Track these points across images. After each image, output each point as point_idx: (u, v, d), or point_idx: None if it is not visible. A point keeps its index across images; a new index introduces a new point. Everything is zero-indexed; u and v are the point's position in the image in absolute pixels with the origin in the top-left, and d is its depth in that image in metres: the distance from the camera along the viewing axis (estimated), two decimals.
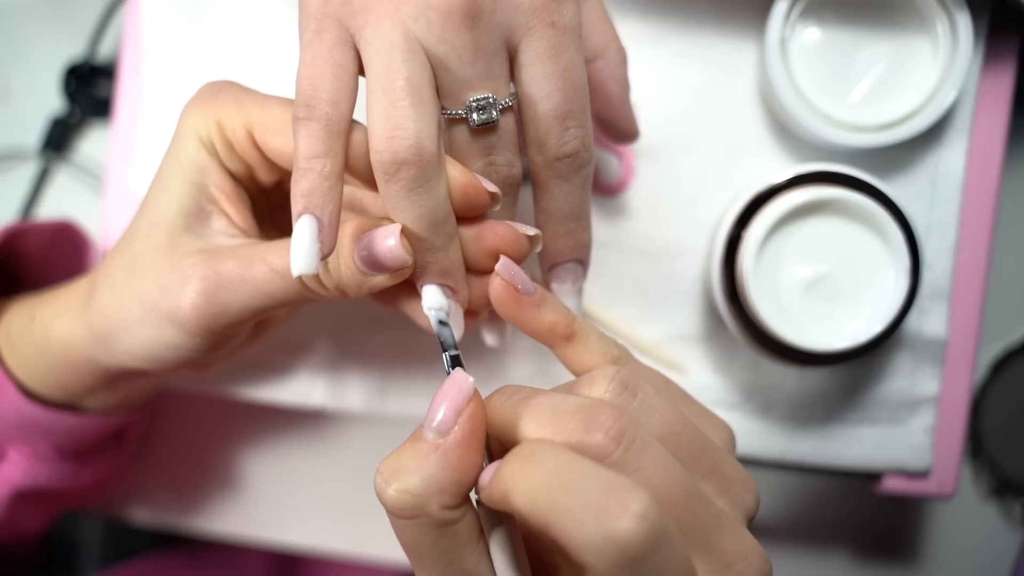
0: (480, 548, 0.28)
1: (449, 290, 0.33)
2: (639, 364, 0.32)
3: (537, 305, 0.31)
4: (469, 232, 0.33)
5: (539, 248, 0.34)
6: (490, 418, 0.28)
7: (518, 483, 0.25)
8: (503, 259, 0.31)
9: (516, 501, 0.25)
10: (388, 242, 0.31)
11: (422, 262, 0.32)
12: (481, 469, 0.28)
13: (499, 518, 0.28)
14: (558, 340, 0.31)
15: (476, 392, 0.28)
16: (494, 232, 0.33)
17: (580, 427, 0.26)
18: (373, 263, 0.31)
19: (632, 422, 0.26)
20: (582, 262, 0.36)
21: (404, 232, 0.31)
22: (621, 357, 0.31)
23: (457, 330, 0.33)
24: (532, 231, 0.33)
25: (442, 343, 0.31)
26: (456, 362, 0.30)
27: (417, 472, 0.27)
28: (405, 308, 0.37)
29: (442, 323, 0.32)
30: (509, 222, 0.33)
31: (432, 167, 0.30)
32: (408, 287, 0.36)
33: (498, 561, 0.28)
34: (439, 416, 0.27)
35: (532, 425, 0.27)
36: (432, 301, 0.33)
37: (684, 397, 0.31)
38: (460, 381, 0.28)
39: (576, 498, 0.24)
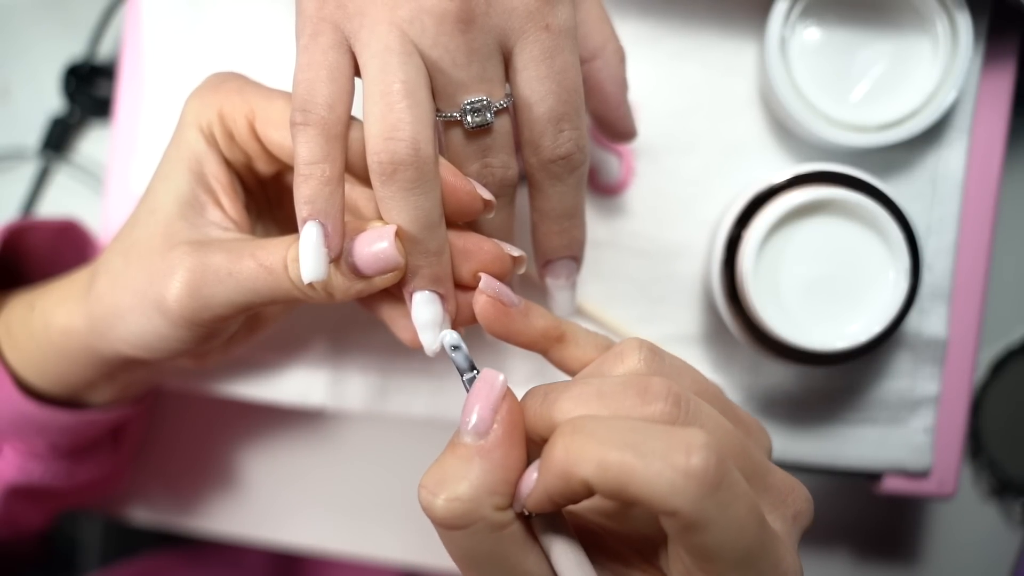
0: (537, 550, 0.28)
1: (439, 297, 0.32)
2: None
3: (525, 314, 0.31)
4: (456, 243, 0.33)
5: (521, 271, 0.34)
6: (531, 423, 0.28)
7: (580, 455, 0.25)
8: (485, 276, 0.31)
9: (583, 471, 0.24)
10: (381, 244, 0.31)
11: (414, 266, 0.32)
12: (525, 466, 0.27)
13: (554, 523, 0.28)
14: (551, 343, 0.31)
15: (509, 388, 0.28)
16: (480, 248, 0.33)
17: (638, 402, 0.26)
18: (364, 266, 0.31)
19: (680, 386, 0.27)
20: (576, 258, 0.37)
21: (398, 234, 0.31)
22: (610, 345, 0.31)
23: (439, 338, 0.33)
24: (517, 252, 0.33)
25: (458, 368, 0.31)
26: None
27: (464, 478, 0.26)
28: (385, 316, 0.37)
29: (455, 347, 0.32)
30: (495, 240, 0.33)
31: (429, 168, 0.30)
32: (389, 295, 0.36)
33: (566, 561, 0.27)
34: (474, 418, 0.27)
35: (583, 415, 0.26)
36: (423, 310, 0.32)
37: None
38: (491, 379, 0.28)
39: (643, 451, 0.24)
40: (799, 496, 0.28)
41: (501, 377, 0.28)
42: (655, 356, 0.29)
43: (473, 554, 0.27)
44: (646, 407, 0.26)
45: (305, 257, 0.30)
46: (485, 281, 0.31)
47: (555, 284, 0.37)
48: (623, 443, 0.24)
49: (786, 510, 0.28)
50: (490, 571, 0.27)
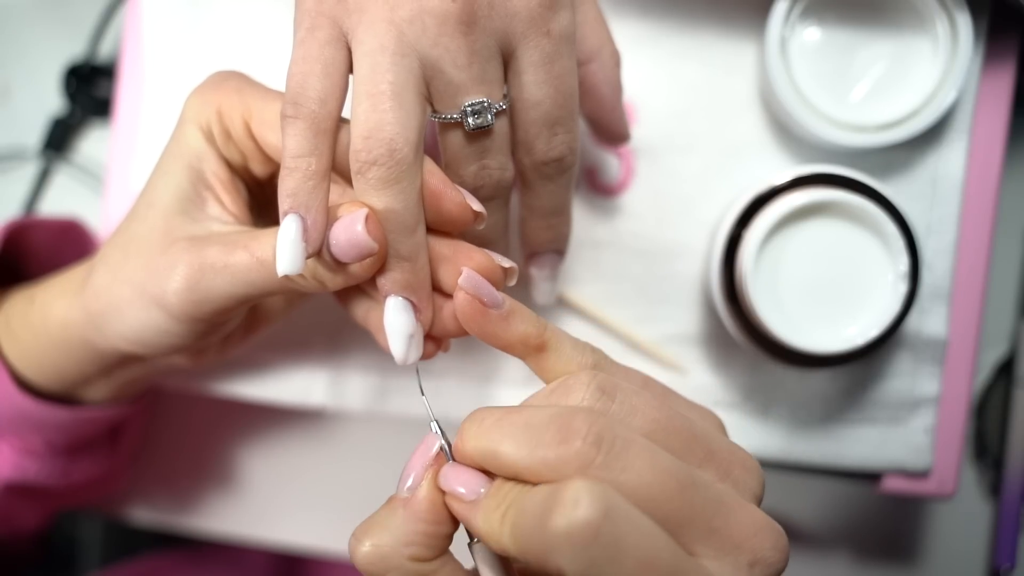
0: None
1: (412, 306, 0.32)
2: (617, 366, 0.31)
3: (505, 318, 0.30)
4: (444, 252, 0.32)
5: (512, 282, 0.33)
6: (468, 448, 0.28)
7: (495, 528, 0.26)
8: (466, 271, 0.30)
9: (504, 544, 0.26)
10: (354, 228, 0.30)
11: (386, 268, 0.32)
12: (451, 521, 0.28)
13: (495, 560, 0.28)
14: (530, 352, 0.30)
15: (441, 452, 0.29)
16: (469, 257, 0.32)
17: (557, 438, 0.25)
18: (341, 253, 0.31)
19: (610, 423, 0.26)
20: (560, 252, 0.38)
21: (372, 219, 0.30)
22: (598, 363, 0.30)
23: (415, 352, 0.32)
24: (507, 263, 0.33)
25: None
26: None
27: (386, 527, 0.28)
28: (372, 324, 0.36)
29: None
30: (486, 251, 0.33)
31: (402, 171, 0.30)
32: (374, 302, 0.36)
33: None
34: (411, 477, 0.29)
35: (510, 446, 0.26)
36: (393, 317, 0.32)
37: (666, 392, 0.31)
38: (429, 443, 0.29)
39: (527, 518, 0.24)
40: (763, 542, 0.26)
41: (437, 444, 0.29)
42: (603, 394, 0.27)
43: None
44: (562, 445, 0.25)
45: (282, 250, 0.30)
46: (466, 276, 0.30)
47: (539, 275, 0.39)
48: (519, 511, 0.25)
49: (739, 556, 0.26)
50: None
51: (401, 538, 0.28)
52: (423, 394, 0.33)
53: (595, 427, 0.25)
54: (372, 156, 0.30)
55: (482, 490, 0.27)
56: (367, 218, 0.30)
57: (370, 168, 0.30)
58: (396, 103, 0.30)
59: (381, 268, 0.32)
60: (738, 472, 0.28)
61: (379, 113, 0.30)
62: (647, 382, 0.31)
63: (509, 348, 0.30)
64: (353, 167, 0.30)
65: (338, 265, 0.31)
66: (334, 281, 0.32)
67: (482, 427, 0.28)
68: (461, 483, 0.28)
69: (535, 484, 0.26)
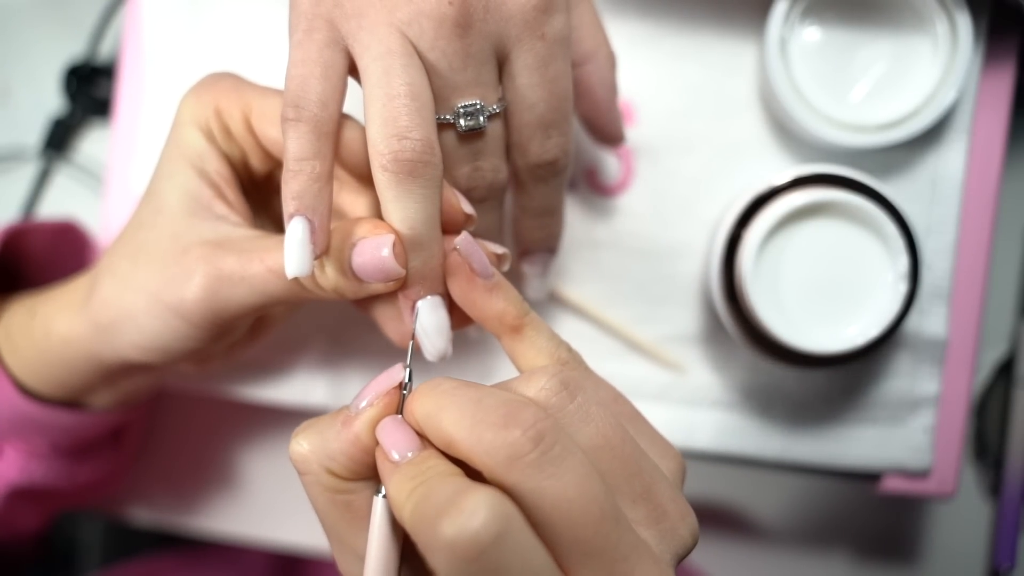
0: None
1: (443, 299, 0.32)
2: (590, 372, 0.30)
3: (489, 289, 0.30)
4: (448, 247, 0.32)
5: (506, 267, 0.33)
6: (415, 407, 0.27)
7: (401, 500, 0.25)
8: (464, 235, 0.30)
9: (403, 518, 0.25)
10: (382, 252, 0.30)
11: (422, 270, 0.31)
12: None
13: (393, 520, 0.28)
14: (505, 331, 0.30)
15: (398, 388, 0.29)
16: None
17: (499, 421, 0.25)
18: (364, 274, 0.31)
19: (557, 426, 0.25)
20: (552, 250, 0.39)
21: (402, 240, 0.31)
22: (570, 361, 0.30)
23: (450, 347, 0.33)
24: (500, 250, 0.33)
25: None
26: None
27: (320, 433, 0.29)
28: (377, 315, 0.37)
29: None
30: (479, 240, 0.33)
31: (441, 168, 0.30)
32: (378, 297, 0.36)
33: (371, 536, 0.28)
34: (365, 400, 0.29)
35: (452, 416, 0.26)
36: (432, 316, 0.32)
37: (634, 417, 0.30)
38: (394, 374, 0.29)
39: (428, 506, 0.24)
40: None
41: (401, 375, 0.29)
42: (564, 389, 0.27)
43: (313, 503, 0.29)
44: (502, 430, 0.24)
45: (290, 253, 0.30)
46: (463, 238, 0.30)
47: (531, 271, 0.39)
48: (426, 494, 0.25)
49: None
50: (327, 528, 0.29)
51: (326, 449, 0.28)
52: (412, 339, 0.32)
53: (541, 424, 0.25)
54: (416, 156, 0.29)
55: (409, 454, 0.27)
56: (394, 244, 0.30)
57: (415, 168, 0.29)
58: (419, 104, 0.30)
59: (411, 273, 0.31)
60: (672, 521, 0.27)
61: (406, 116, 0.29)
62: (617, 399, 0.30)
63: (486, 321, 0.30)
64: (389, 168, 0.30)
65: (356, 281, 0.31)
66: (356, 294, 0.32)
67: (435, 391, 0.27)
68: (393, 442, 0.27)
69: (462, 463, 0.26)
